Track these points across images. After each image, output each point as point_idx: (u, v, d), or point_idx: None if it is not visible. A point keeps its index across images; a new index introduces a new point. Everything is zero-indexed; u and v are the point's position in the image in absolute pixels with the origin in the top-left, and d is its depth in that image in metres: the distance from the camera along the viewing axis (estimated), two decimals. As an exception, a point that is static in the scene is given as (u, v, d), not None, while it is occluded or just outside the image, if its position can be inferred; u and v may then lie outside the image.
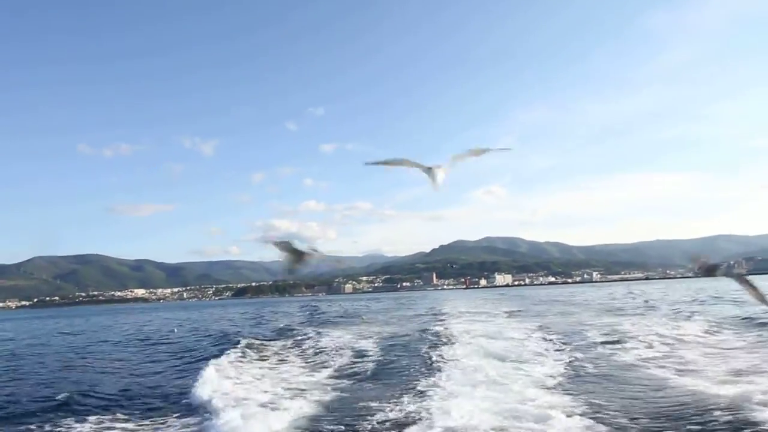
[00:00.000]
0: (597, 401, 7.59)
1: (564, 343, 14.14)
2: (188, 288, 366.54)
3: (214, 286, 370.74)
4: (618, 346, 13.11)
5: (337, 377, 10.92)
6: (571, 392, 7.92)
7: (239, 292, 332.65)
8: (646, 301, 34.63)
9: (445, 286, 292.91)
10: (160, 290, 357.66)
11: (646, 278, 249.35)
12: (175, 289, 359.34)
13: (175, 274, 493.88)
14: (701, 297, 35.99)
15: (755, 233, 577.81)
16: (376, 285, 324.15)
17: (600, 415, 6.84)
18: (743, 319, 16.73)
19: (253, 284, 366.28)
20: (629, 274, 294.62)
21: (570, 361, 11.15)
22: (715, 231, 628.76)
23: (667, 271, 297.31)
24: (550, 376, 9.54)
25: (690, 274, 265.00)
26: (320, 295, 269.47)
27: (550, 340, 15.76)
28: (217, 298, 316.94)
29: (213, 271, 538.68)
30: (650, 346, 12.66)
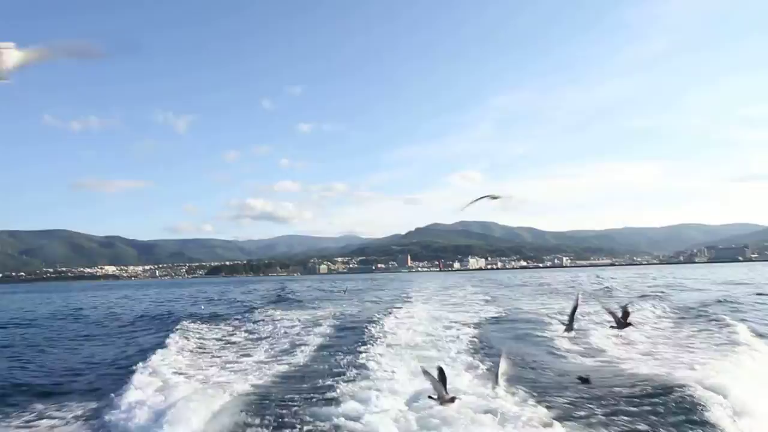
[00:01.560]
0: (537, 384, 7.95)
1: (512, 326, 14.54)
2: (161, 266, 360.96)
3: (188, 265, 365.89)
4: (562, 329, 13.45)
5: (272, 361, 10.77)
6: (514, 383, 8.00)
7: (213, 271, 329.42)
8: (607, 288, 35.42)
9: (419, 269, 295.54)
10: (131, 267, 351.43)
11: (612, 264, 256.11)
12: (147, 267, 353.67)
13: (147, 251, 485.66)
14: (660, 284, 37.21)
15: (719, 223, 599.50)
16: (351, 266, 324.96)
17: (544, 399, 7.12)
18: (690, 308, 17.17)
19: (227, 263, 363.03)
20: (598, 260, 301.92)
21: (514, 347, 11.43)
22: (682, 220, 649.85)
23: (634, 258, 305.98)
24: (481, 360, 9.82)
25: (655, 261, 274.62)
26: (295, 275, 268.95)
27: (498, 320, 16.28)
28: (190, 276, 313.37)
29: (186, 249, 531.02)
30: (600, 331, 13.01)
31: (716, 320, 13.90)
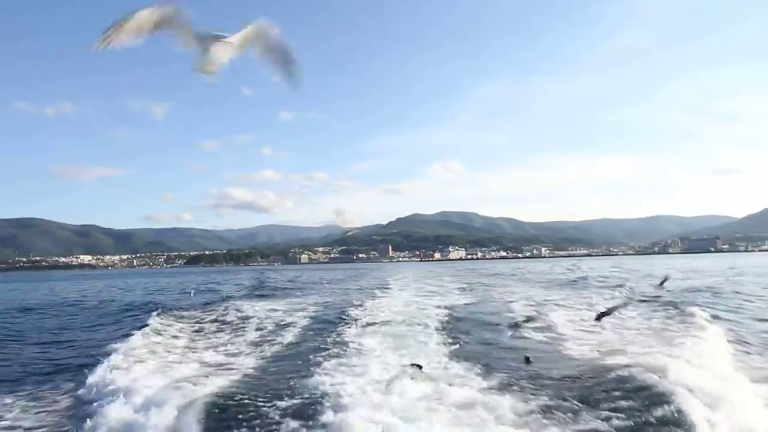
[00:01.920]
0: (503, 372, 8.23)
1: (485, 320, 14.91)
2: (138, 255, 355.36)
3: (166, 254, 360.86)
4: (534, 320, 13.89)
5: (245, 354, 10.53)
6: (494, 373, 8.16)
7: (192, 260, 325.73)
8: (585, 277, 35.95)
9: (400, 259, 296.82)
10: (107, 257, 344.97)
11: (589, 255, 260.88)
12: (124, 256, 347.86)
13: (124, 240, 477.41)
14: (633, 275, 38.17)
15: (693, 214, 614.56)
16: (332, 256, 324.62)
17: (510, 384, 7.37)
18: (657, 297, 17.45)
19: (207, 252, 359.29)
20: (576, 250, 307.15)
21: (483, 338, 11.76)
22: (657, 211, 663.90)
23: (611, 249, 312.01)
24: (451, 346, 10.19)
25: (631, 252, 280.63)
26: (276, 264, 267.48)
27: (471, 309, 16.70)
28: (168, 266, 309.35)
29: (165, 238, 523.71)
30: (567, 321, 13.40)
31: (677, 308, 14.41)
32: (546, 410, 6.15)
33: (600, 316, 9.36)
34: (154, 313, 16.13)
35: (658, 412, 5.59)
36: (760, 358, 8.95)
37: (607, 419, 5.68)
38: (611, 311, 9.29)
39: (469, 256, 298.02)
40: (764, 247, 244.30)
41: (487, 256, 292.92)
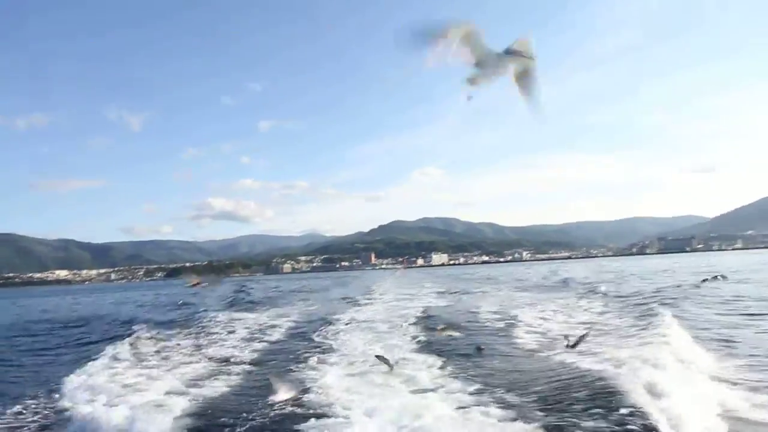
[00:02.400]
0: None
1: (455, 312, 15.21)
2: (116, 269, 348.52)
3: (145, 267, 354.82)
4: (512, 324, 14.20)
5: (223, 368, 10.34)
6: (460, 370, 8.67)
7: (172, 273, 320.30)
8: (565, 280, 36.34)
9: (383, 266, 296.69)
10: (84, 271, 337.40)
11: (569, 257, 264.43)
12: (102, 271, 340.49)
13: (101, 254, 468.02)
14: (611, 277, 38.90)
15: (670, 215, 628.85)
16: (314, 265, 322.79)
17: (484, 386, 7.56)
18: (635, 304, 17.72)
19: (187, 264, 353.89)
20: (556, 253, 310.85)
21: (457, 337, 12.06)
22: (635, 213, 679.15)
23: (590, 251, 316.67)
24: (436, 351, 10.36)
25: (610, 254, 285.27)
26: (258, 275, 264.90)
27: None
28: (148, 279, 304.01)
29: (143, 251, 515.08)
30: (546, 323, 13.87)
31: (646, 308, 14.80)
32: (489, 396, 6.82)
33: (574, 345, 9.53)
34: (136, 328, 16.17)
35: (613, 404, 5.80)
36: (716, 355, 9.31)
37: (558, 411, 5.97)
38: (582, 339, 9.51)
39: (452, 262, 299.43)
40: (737, 246, 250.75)
41: (469, 261, 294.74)
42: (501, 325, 14.12)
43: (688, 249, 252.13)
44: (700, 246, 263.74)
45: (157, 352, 12.56)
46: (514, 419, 5.84)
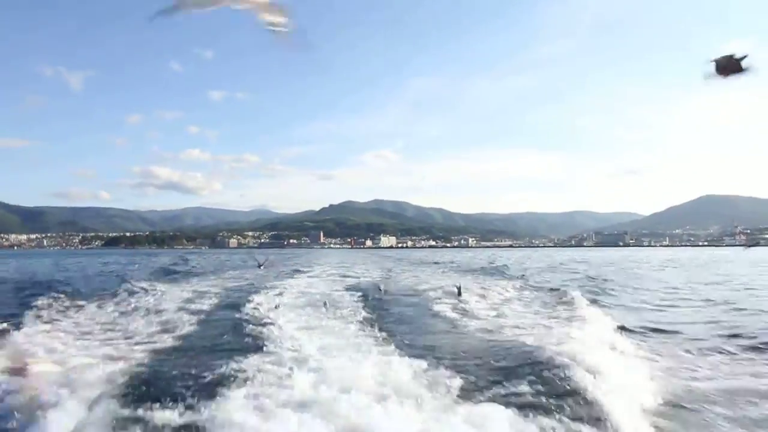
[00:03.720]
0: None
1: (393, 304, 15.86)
2: (49, 235, 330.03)
3: (81, 235, 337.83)
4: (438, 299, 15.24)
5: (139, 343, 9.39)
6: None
7: (111, 242, 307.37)
8: (503, 265, 38.15)
9: (332, 245, 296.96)
10: (13, 236, 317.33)
11: (511, 246, 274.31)
12: (33, 236, 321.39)
13: (32, 218, 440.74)
14: (540, 265, 41.22)
15: (607, 211, 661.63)
16: (262, 241, 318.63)
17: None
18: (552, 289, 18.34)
19: (128, 234, 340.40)
20: (501, 241, 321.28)
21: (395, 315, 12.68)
22: (576, 207, 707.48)
23: (533, 241, 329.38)
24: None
25: (550, 245, 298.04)
26: (203, 248, 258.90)
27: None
28: (84, 247, 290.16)
29: (79, 217, 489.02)
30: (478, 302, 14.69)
31: (562, 293, 15.77)
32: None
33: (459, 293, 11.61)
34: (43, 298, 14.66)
35: (546, 376, 6.33)
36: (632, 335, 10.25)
37: (492, 383, 6.40)
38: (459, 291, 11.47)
39: (400, 245, 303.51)
40: (665, 243, 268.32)
41: (417, 245, 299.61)
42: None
43: (621, 243, 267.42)
44: (632, 241, 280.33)
45: (72, 323, 11.63)
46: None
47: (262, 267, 25.33)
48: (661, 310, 14.20)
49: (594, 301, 14.54)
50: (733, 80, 4.14)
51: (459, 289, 15.33)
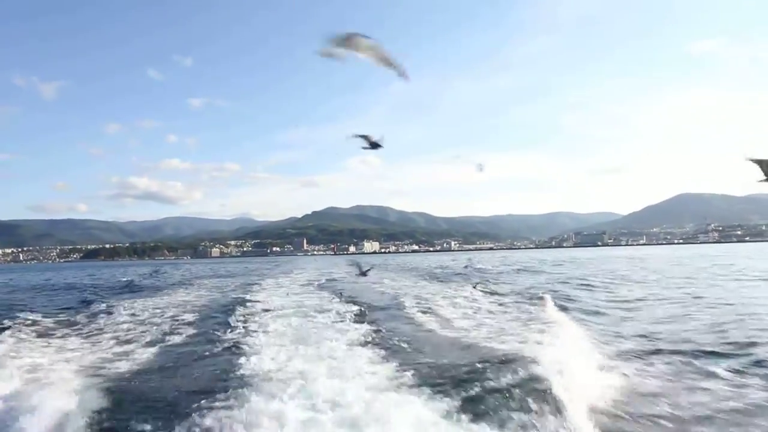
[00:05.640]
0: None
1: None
2: (25, 249, 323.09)
3: (59, 247, 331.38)
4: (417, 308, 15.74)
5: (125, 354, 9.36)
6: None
7: (90, 254, 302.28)
8: (475, 267, 39.31)
9: (315, 252, 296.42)
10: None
11: (491, 248, 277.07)
12: (9, 250, 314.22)
13: (7, 232, 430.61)
14: (517, 267, 42.31)
15: (587, 211, 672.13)
16: (245, 249, 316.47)
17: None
18: (527, 290, 19.02)
19: (107, 246, 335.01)
20: (483, 244, 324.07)
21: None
22: (557, 208, 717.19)
23: (514, 243, 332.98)
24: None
25: (531, 246, 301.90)
26: (185, 258, 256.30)
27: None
28: (62, 260, 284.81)
29: (56, 230, 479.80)
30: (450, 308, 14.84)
31: (533, 296, 16.37)
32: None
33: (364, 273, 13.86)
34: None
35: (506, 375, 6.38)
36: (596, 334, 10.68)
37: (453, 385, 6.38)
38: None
39: (383, 250, 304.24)
40: (642, 241, 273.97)
41: (400, 250, 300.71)
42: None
43: (599, 243, 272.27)
44: (610, 241, 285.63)
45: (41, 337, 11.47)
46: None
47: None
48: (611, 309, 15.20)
49: (556, 302, 15.05)
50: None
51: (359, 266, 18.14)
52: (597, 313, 14.27)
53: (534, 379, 6.13)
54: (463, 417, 5.29)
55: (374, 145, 8.31)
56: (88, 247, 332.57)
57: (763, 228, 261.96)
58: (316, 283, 24.78)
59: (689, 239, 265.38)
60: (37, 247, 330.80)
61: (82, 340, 11.07)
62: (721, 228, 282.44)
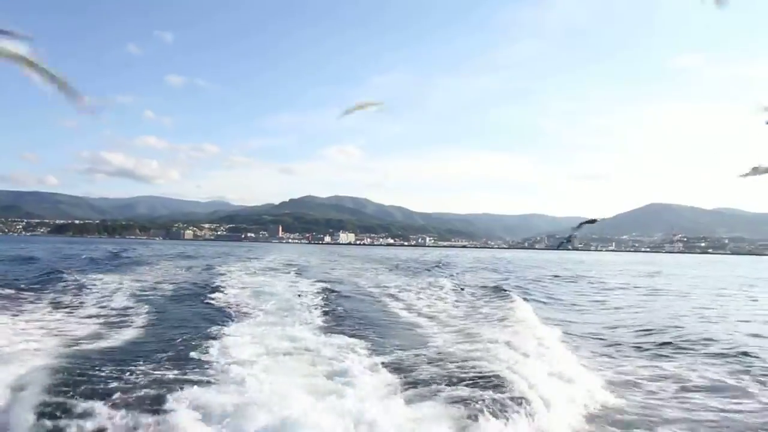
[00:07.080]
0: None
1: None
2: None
3: (26, 221, 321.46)
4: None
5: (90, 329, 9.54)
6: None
7: (58, 229, 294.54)
8: (446, 263, 40.64)
9: (290, 240, 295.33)
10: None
11: (464, 246, 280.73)
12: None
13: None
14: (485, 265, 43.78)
15: (561, 215, 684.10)
16: (219, 233, 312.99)
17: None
18: (492, 287, 19.33)
19: (76, 222, 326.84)
20: (458, 241, 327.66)
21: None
22: (532, 209, 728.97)
23: (488, 242, 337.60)
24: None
25: (505, 246, 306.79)
26: (157, 239, 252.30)
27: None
28: (28, 234, 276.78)
29: (23, 202, 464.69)
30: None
31: (502, 295, 16.51)
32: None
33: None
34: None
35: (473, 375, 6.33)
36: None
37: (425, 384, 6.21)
38: None
39: (359, 241, 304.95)
40: (610, 248, 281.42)
41: (375, 243, 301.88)
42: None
43: (570, 247, 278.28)
44: (580, 245, 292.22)
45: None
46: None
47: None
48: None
49: (509, 296, 15.71)
50: None
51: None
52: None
53: (494, 377, 6.13)
54: (426, 412, 5.18)
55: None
56: (56, 221, 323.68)
57: (726, 241, 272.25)
58: (289, 269, 25.66)
59: (656, 248, 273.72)
60: (2, 219, 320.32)
61: (37, 316, 10.86)
62: (686, 239, 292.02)
